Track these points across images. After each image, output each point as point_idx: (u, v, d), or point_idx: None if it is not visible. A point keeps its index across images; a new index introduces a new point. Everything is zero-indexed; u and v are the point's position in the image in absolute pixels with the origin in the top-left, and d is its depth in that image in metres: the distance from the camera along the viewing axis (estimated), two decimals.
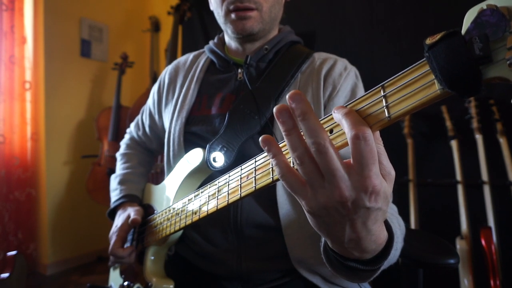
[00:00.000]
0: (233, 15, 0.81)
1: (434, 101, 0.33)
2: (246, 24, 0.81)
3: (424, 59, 0.33)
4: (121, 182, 0.98)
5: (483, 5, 0.29)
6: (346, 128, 0.36)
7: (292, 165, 0.42)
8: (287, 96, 0.37)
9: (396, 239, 0.47)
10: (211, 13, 0.91)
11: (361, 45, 1.92)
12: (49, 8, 2.57)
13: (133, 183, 0.99)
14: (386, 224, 0.46)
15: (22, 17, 2.50)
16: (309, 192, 0.39)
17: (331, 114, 0.40)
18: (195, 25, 2.71)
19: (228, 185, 0.56)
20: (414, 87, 0.34)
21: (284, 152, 0.45)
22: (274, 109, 0.38)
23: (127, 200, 0.93)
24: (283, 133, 0.38)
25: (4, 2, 2.40)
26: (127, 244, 0.86)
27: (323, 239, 0.51)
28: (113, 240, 0.85)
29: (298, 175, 0.39)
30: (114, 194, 0.97)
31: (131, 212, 0.86)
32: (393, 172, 0.39)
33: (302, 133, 0.38)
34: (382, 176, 0.37)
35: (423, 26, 1.73)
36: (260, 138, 0.40)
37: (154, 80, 2.90)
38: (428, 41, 0.31)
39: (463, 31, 0.31)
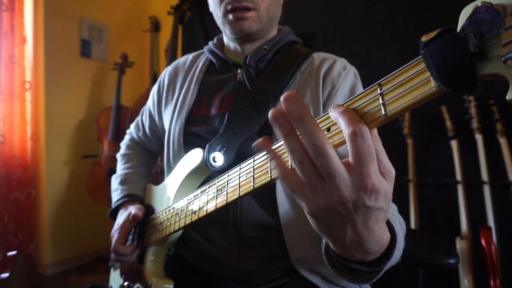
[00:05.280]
0: (230, 16, 0.81)
1: (430, 98, 0.33)
2: (244, 24, 0.81)
3: (420, 56, 0.33)
4: (122, 182, 0.99)
5: (478, 2, 0.29)
6: (343, 126, 0.36)
7: (290, 167, 0.42)
8: (281, 98, 0.36)
9: (398, 239, 0.47)
10: (211, 13, 0.91)
11: (361, 45, 1.92)
12: (49, 8, 2.58)
13: (134, 183, 0.99)
14: (388, 224, 0.46)
15: (22, 17, 2.50)
16: (309, 194, 0.38)
17: (328, 113, 0.40)
18: (195, 25, 2.71)
19: (227, 184, 0.56)
20: (410, 84, 0.34)
21: (281, 152, 0.45)
22: (269, 114, 0.37)
23: (128, 199, 0.94)
24: (281, 137, 0.38)
25: (4, 2, 2.40)
26: (129, 243, 0.86)
27: (324, 240, 0.51)
28: (116, 237, 0.85)
29: (298, 177, 0.39)
30: (116, 194, 0.97)
31: (132, 209, 0.86)
32: (393, 171, 0.38)
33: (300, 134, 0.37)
34: (382, 174, 0.37)
35: (423, 26, 1.73)
36: (254, 143, 0.40)
37: (154, 80, 2.90)
38: (424, 38, 0.31)
39: (459, 28, 0.31)
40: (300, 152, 0.37)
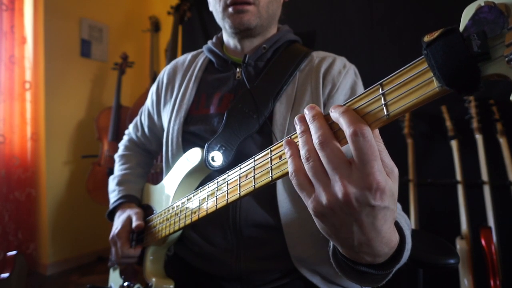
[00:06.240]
0: (230, 9, 0.81)
1: (433, 98, 0.33)
2: (243, 17, 0.81)
3: (422, 56, 0.33)
4: (119, 183, 0.98)
5: (481, 2, 0.29)
6: (344, 126, 0.36)
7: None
8: (305, 109, 0.42)
9: (407, 239, 0.46)
10: (211, 13, 0.91)
11: (361, 45, 1.92)
12: (49, 8, 2.57)
13: (131, 184, 0.99)
14: (396, 225, 0.46)
15: (22, 17, 2.50)
16: (315, 191, 0.39)
17: (329, 114, 0.40)
18: (195, 25, 2.71)
19: (227, 184, 0.56)
20: (413, 84, 0.34)
21: (280, 153, 0.45)
22: (296, 117, 0.43)
23: (125, 200, 0.93)
24: (299, 135, 0.42)
25: (4, 2, 2.40)
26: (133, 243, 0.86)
27: (331, 243, 0.51)
28: (121, 241, 0.85)
29: (307, 175, 0.40)
30: (113, 195, 0.97)
31: (132, 216, 0.86)
32: (396, 170, 0.38)
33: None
34: (386, 174, 0.37)
35: (423, 25, 1.73)
36: (284, 140, 0.44)
37: (154, 80, 2.88)
38: (426, 38, 0.31)
39: (461, 28, 0.31)
40: (309, 147, 0.39)
